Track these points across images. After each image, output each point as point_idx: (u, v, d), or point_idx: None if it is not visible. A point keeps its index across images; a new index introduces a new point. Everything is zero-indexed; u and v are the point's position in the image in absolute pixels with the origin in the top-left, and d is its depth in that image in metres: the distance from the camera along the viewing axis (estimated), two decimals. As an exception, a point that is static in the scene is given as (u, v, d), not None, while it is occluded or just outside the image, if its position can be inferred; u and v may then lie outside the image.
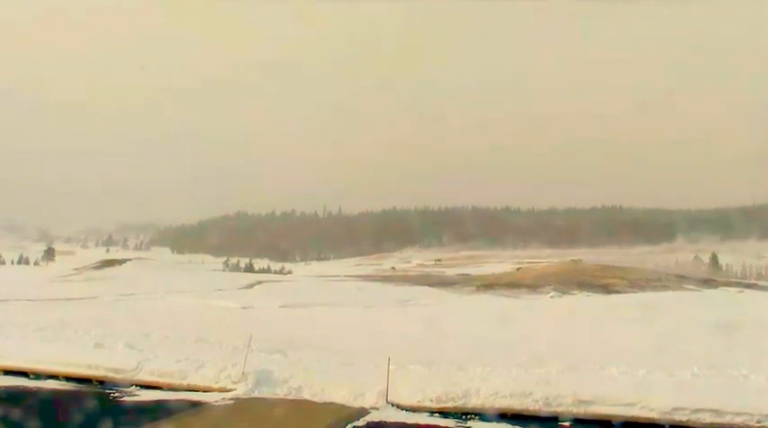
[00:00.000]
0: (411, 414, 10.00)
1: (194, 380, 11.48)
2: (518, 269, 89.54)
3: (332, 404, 10.33)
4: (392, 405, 10.24)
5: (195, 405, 10.35)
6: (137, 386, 11.52)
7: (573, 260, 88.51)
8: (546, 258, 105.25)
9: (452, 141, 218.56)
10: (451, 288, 59.72)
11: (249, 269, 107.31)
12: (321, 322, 22.57)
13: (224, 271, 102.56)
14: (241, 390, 10.94)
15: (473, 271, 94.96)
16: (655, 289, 54.99)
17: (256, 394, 10.86)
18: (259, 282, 60.00)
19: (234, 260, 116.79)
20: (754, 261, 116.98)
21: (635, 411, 9.48)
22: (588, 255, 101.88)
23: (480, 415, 9.87)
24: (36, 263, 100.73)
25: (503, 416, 9.76)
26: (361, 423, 9.51)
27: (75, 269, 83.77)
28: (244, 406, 10.31)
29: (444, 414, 9.99)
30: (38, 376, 12.00)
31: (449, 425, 9.60)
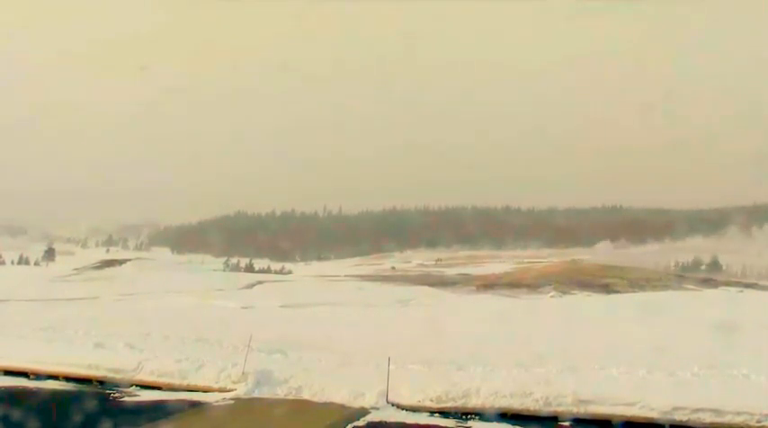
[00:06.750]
0: (411, 414, 10.01)
1: (194, 380, 11.49)
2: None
3: (332, 404, 10.34)
4: (392, 405, 10.25)
5: (195, 405, 10.36)
6: (137, 386, 11.55)
7: (573, 260, 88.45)
8: (546, 258, 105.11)
9: (452, 141, 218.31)
10: (451, 287, 59.68)
11: (249, 269, 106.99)
12: (321, 322, 22.52)
13: (224, 271, 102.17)
14: (241, 390, 10.95)
15: (473, 270, 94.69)
16: (655, 288, 55.00)
17: (256, 394, 10.86)
18: (259, 282, 59.80)
19: (234, 260, 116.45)
20: (755, 261, 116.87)
21: (635, 411, 9.49)
22: (588, 255, 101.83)
23: (480, 415, 9.88)
24: (36, 264, 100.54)
25: (503, 416, 9.77)
26: (361, 423, 9.52)
27: (76, 269, 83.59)
28: (244, 407, 10.32)
29: (444, 414, 10.00)
30: (38, 376, 12.02)
31: (449, 425, 9.61)
